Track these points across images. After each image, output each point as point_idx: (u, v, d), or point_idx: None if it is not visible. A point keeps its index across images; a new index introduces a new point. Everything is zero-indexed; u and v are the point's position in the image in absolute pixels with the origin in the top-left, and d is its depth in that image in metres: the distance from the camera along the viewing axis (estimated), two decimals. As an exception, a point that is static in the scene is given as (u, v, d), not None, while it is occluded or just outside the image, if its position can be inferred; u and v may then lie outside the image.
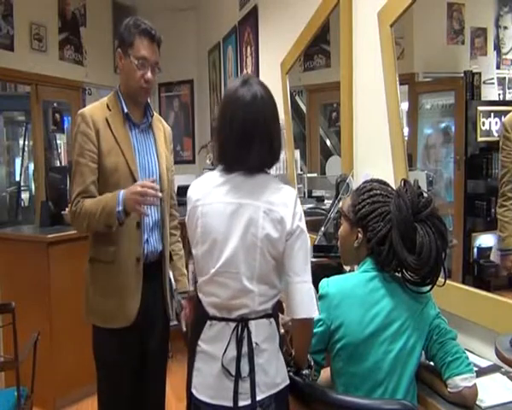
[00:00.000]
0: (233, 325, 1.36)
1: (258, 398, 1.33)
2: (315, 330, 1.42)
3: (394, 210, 1.38)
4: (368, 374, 1.36)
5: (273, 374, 1.36)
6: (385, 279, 1.42)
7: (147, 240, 1.92)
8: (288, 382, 1.39)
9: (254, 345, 1.34)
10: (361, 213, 1.46)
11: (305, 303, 1.33)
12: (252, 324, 1.36)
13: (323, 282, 1.47)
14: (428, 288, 1.41)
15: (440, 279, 1.40)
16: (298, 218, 1.34)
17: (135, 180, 1.86)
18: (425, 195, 1.41)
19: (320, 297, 1.45)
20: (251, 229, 1.32)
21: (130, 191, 1.74)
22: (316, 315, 1.35)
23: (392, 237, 1.38)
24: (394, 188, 1.50)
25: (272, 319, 1.40)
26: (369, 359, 1.36)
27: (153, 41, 1.86)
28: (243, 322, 1.35)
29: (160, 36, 1.89)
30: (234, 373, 1.33)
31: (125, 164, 1.86)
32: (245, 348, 1.34)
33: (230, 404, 1.33)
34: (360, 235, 1.47)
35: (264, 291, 1.36)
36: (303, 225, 1.35)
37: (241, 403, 1.33)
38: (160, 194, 1.74)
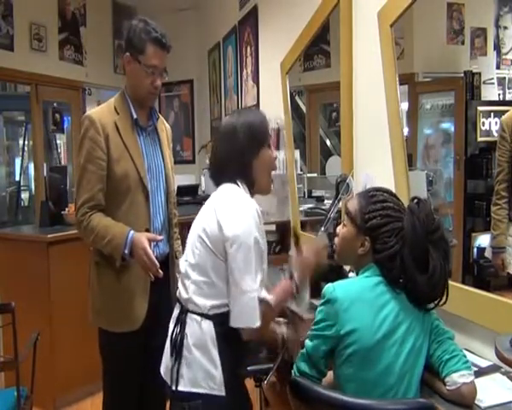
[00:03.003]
0: (179, 308, 1.49)
1: (180, 388, 1.41)
2: (323, 333, 1.39)
3: (409, 229, 1.36)
4: (379, 379, 1.34)
5: (198, 374, 1.40)
6: (389, 284, 1.40)
7: (157, 243, 1.93)
8: (216, 393, 1.39)
9: (185, 336, 1.42)
10: (372, 224, 1.42)
11: (243, 314, 1.38)
12: (189, 316, 1.43)
13: (329, 287, 1.42)
14: (431, 306, 1.40)
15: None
16: (242, 227, 1.38)
17: (144, 186, 1.90)
18: (434, 216, 1.38)
19: (327, 302, 1.41)
20: (201, 222, 1.46)
21: (138, 246, 1.76)
22: (257, 326, 1.37)
23: (403, 254, 1.37)
24: (399, 188, 1.48)
25: (209, 323, 1.40)
26: (381, 362, 1.33)
27: (163, 49, 1.87)
28: (184, 312, 1.45)
29: (169, 43, 1.90)
30: (172, 354, 1.45)
31: (134, 170, 1.88)
32: (180, 335, 1.43)
33: (169, 381, 1.46)
34: (367, 243, 1.43)
35: (200, 282, 1.42)
36: (245, 236, 1.38)
37: (174, 387, 1.42)
38: (160, 273, 1.78)
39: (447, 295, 1.39)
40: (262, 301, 1.40)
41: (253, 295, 1.37)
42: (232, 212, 1.41)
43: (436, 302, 1.40)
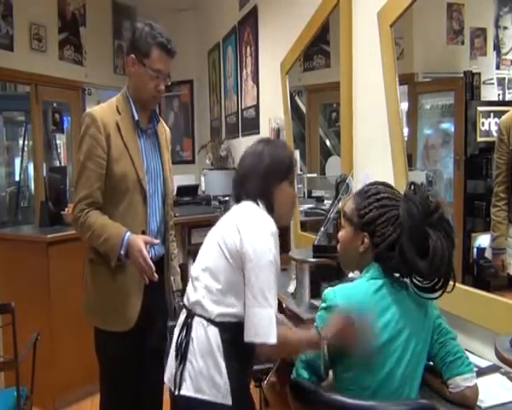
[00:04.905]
0: (185, 313, 1.48)
1: (182, 392, 1.40)
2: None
3: (404, 215, 1.33)
4: (381, 385, 1.32)
5: (201, 380, 1.39)
6: (392, 287, 1.37)
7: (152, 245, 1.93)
8: (221, 401, 1.38)
9: (191, 340, 1.42)
10: (368, 218, 1.39)
11: (260, 329, 1.34)
12: (196, 320, 1.43)
13: (330, 292, 1.40)
14: (438, 294, 1.36)
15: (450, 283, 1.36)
16: (263, 243, 1.38)
17: (142, 188, 1.90)
18: (432, 198, 1.35)
19: (328, 308, 1.39)
20: (220, 232, 1.46)
21: (134, 248, 1.77)
22: (273, 342, 1.33)
23: (402, 242, 1.33)
24: (398, 190, 1.47)
25: (214, 330, 1.40)
26: (384, 368, 1.32)
27: (168, 54, 1.89)
28: (191, 316, 1.44)
29: (175, 49, 1.91)
30: (177, 358, 1.44)
31: (133, 172, 1.89)
32: (185, 339, 1.43)
33: (172, 387, 1.45)
34: (366, 240, 1.41)
35: (212, 287, 1.41)
36: (265, 252, 1.37)
37: (177, 392, 1.42)
38: (155, 277, 1.79)
39: (454, 280, 1.34)
40: (279, 320, 1.38)
41: (271, 311, 1.35)
42: (254, 228, 1.41)
43: (443, 291, 1.35)
